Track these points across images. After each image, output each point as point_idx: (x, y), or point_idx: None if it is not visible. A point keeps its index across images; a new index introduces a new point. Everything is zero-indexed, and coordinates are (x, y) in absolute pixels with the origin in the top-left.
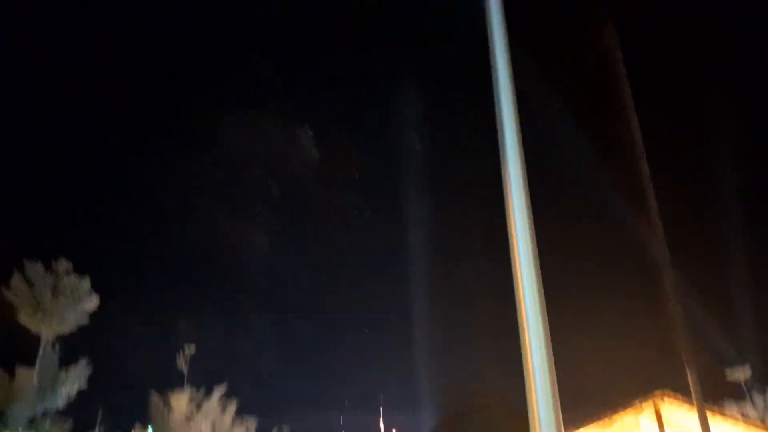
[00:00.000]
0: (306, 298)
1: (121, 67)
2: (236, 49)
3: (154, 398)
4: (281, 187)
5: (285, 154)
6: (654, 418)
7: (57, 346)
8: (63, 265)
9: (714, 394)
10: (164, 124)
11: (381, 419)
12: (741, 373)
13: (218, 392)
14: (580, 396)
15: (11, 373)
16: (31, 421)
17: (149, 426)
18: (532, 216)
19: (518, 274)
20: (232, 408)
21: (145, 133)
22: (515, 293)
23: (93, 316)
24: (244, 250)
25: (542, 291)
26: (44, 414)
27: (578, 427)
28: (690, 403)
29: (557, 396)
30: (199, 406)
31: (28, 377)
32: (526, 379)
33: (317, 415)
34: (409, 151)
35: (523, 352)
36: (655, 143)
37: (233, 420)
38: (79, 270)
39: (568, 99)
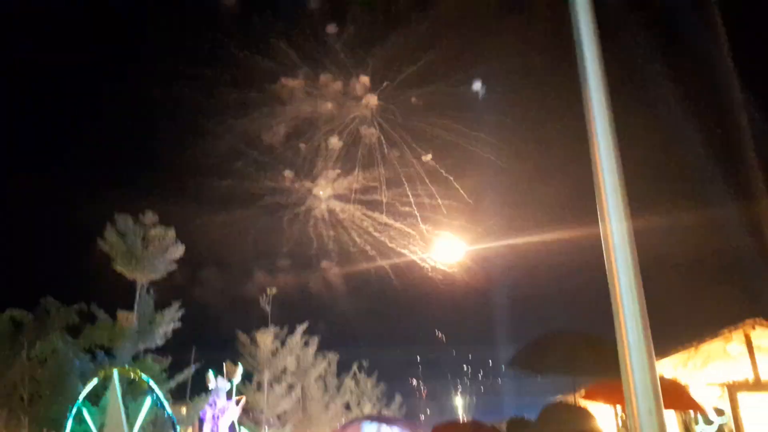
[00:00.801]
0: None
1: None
2: None
3: (241, 336)
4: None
5: None
6: (743, 346)
7: (151, 291)
8: (149, 217)
9: None
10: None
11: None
12: None
13: (300, 330)
14: (666, 325)
15: (113, 317)
16: (135, 358)
17: (239, 363)
18: (616, 136)
19: (603, 196)
20: (314, 344)
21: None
22: (600, 220)
23: (184, 264)
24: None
25: (629, 214)
26: (145, 351)
27: (664, 356)
28: None
29: (647, 322)
30: (283, 343)
31: (128, 320)
32: (613, 304)
33: (392, 351)
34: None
35: (609, 278)
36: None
37: (315, 355)
38: (164, 222)
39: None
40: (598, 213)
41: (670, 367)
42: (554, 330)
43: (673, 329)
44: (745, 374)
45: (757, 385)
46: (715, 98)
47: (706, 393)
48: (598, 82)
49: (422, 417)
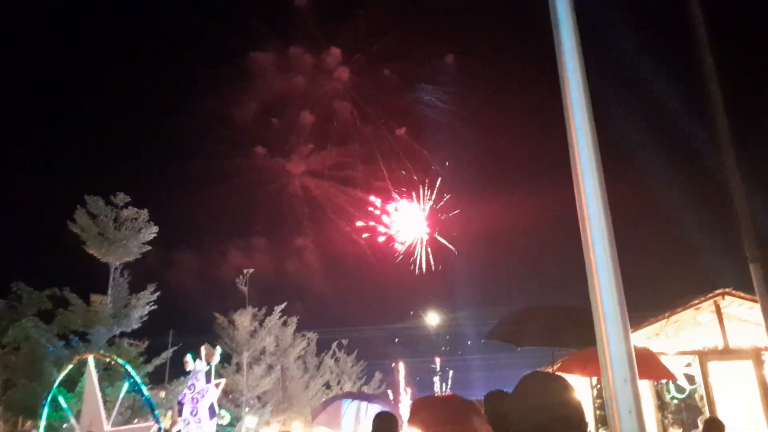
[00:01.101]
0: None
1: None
2: None
3: (219, 318)
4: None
5: None
6: (714, 315)
7: (125, 274)
8: (121, 197)
9: None
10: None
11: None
12: None
13: (278, 310)
14: (639, 298)
15: (87, 301)
16: (110, 343)
17: (218, 345)
18: (592, 113)
19: (578, 166)
20: (293, 324)
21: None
22: (575, 190)
23: (157, 245)
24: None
25: (604, 184)
26: (121, 335)
27: (638, 328)
28: (751, 300)
29: (622, 292)
30: (261, 323)
31: (102, 303)
32: (588, 275)
33: (371, 329)
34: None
35: (584, 248)
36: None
37: (294, 335)
38: (141, 202)
39: None
40: (574, 183)
41: (644, 337)
42: (533, 304)
43: (646, 301)
44: (715, 342)
45: (726, 353)
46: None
47: (678, 361)
48: (573, 54)
49: (405, 393)
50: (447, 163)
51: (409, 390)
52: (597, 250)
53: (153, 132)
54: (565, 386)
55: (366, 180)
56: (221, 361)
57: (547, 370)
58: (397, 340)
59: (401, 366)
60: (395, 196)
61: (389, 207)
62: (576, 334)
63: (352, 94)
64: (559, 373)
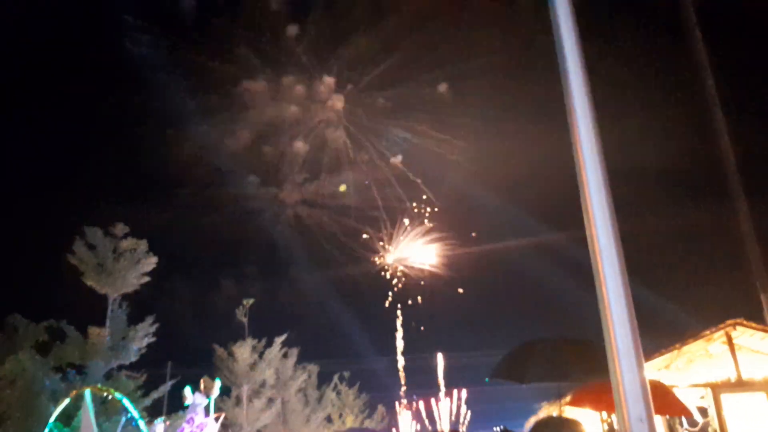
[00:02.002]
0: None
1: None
2: None
3: (218, 350)
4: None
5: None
6: (725, 346)
7: (123, 306)
8: (120, 228)
9: None
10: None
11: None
12: None
13: (278, 342)
14: (650, 329)
15: (84, 333)
16: (108, 376)
17: (217, 378)
18: (597, 124)
19: (588, 198)
20: (293, 356)
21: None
22: (585, 222)
23: (153, 276)
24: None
25: (615, 216)
26: (119, 368)
27: (648, 359)
28: (763, 330)
29: (636, 325)
30: (261, 355)
31: (100, 336)
32: (601, 308)
33: (374, 360)
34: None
35: (596, 281)
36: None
37: (295, 367)
38: (137, 233)
39: None
40: (584, 215)
41: (654, 369)
42: (534, 337)
43: (654, 333)
44: (728, 374)
45: (739, 385)
46: (691, 91)
47: (690, 394)
48: (579, 76)
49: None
50: (436, 197)
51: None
52: (609, 282)
53: (142, 162)
54: (576, 430)
55: (360, 209)
56: (220, 394)
57: (557, 405)
58: (401, 369)
59: (405, 398)
60: (389, 226)
61: (385, 234)
62: (580, 365)
63: (345, 122)
64: (570, 407)
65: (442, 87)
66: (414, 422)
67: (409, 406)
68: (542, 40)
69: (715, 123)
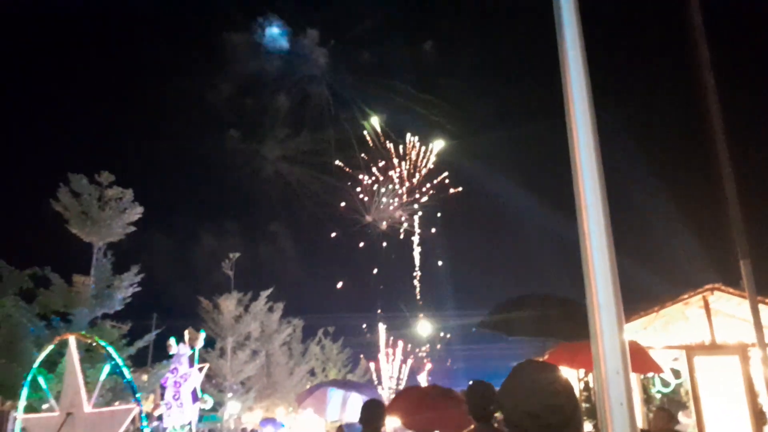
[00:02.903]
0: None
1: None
2: None
3: (204, 302)
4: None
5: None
6: (702, 310)
7: (109, 255)
8: (106, 176)
9: (764, 286)
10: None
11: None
12: None
13: (264, 296)
14: (627, 292)
15: (69, 281)
16: (92, 324)
17: (201, 330)
18: (592, 101)
19: (577, 156)
20: (278, 310)
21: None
22: (573, 180)
23: (139, 225)
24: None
25: (603, 174)
26: (104, 317)
27: (627, 321)
28: (740, 296)
29: (618, 283)
30: (246, 308)
31: (84, 284)
32: (584, 265)
33: (357, 316)
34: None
35: (581, 238)
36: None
37: (280, 321)
38: (128, 183)
39: None
40: (572, 172)
41: (632, 330)
42: (525, 293)
43: (634, 295)
44: (702, 337)
45: (713, 348)
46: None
47: (665, 355)
48: (578, 61)
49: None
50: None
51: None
52: (593, 239)
53: (124, 114)
54: (558, 375)
55: (343, 167)
56: (205, 346)
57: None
58: (385, 325)
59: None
60: (371, 180)
61: (367, 190)
62: (568, 325)
63: (328, 78)
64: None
65: (427, 45)
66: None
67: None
68: (530, 3)
69: (702, 84)
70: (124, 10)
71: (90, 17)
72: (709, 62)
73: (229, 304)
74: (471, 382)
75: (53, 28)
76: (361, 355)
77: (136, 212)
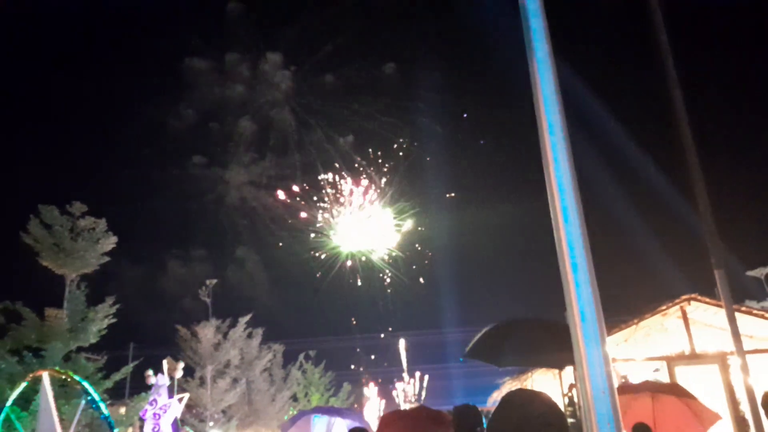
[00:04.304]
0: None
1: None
2: None
3: (182, 330)
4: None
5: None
6: (680, 320)
7: (82, 286)
8: (78, 206)
9: (739, 296)
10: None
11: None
12: (759, 272)
13: (243, 322)
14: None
15: (41, 315)
16: (66, 359)
17: (180, 359)
18: (565, 117)
19: (552, 174)
20: (257, 336)
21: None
22: (549, 197)
23: (113, 255)
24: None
25: (578, 188)
26: (78, 350)
27: (608, 334)
28: (716, 305)
29: (599, 300)
30: (225, 336)
31: (58, 317)
32: (564, 282)
33: (334, 340)
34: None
35: (559, 256)
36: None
37: (260, 347)
38: (93, 213)
39: None
40: (547, 190)
41: (613, 343)
42: (508, 318)
43: (613, 308)
44: (682, 347)
45: (693, 357)
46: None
47: (646, 367)
48: (546, 61)
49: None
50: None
51: (383, 401)
52: (573, 257)
53: (90, 144)
54: (549, 405)
55: (307, 191)
56: (184, 375)
57: (519, 381)
58: (365, 348)
59: (369, 376)
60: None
61: (336, 216)
62: (554, 351)
63: (292, 102)
64: (534, 381)
65: (390, 68)
66: (379, 399)
67: (373, 384)
68: (492, 24)
69: (673, 99)
70: (83, 40)
71: (54, 45)
72: (676, 79)
73: (207, 331)
74: (456, 406)
75: (19, 56)
76: (345, 383)
77: (110, 242)
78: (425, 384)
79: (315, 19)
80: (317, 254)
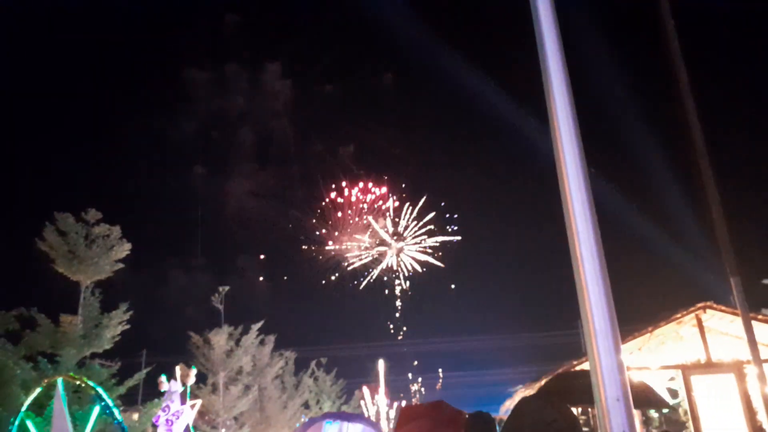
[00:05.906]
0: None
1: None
2: None
3: (194, 337)
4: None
5: None
6: (696, 328)
7: (96, 293)
8: (92, 214)
9: (755, 304)
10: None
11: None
12: None
13: (255, 329)
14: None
15: (56, 321)
16: (81, 365)
17: (193, 366)
18: (579, 131)
19: (566, 184)
20: (270, 343)
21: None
22: (563, 207)
23: (127, 262)
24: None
25: (593, 207)
26: (92, 356)
27: (622, 342)
28: (732, 313)
29: (613, 308)
30: (237, 342)
31: (72, 323)
32: (579, 291)
33: (350, 348)
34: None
35: (574, 264)
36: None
37: (272, 354)
38: (108, 220)
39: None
40: (562, 200)
41: (627, 352)
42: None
43: (626, 316)
44: (698, 356)
45: (708, 366)
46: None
47: (661, 375)
48: (560, 76)
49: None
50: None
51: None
52: (587, 266)
53: (106, 151)
54: (561, 411)
55: (308, 201)
56: (197, 382)
57: (532, 389)
58: (371, 356)
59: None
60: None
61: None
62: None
63: (292, 112)
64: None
65: (388, 78)
66: (388, 407)
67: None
68: (495, 30)
69: (686, 108)
70: (82, 53)
71: (61, 54)
72: (688, 86)
73: (219, 338)
74: (469, 413)
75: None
76: (364, 386)
77: (124, 249)
78: (437, 392)
79: (313, 32)
80: (323, 259)
